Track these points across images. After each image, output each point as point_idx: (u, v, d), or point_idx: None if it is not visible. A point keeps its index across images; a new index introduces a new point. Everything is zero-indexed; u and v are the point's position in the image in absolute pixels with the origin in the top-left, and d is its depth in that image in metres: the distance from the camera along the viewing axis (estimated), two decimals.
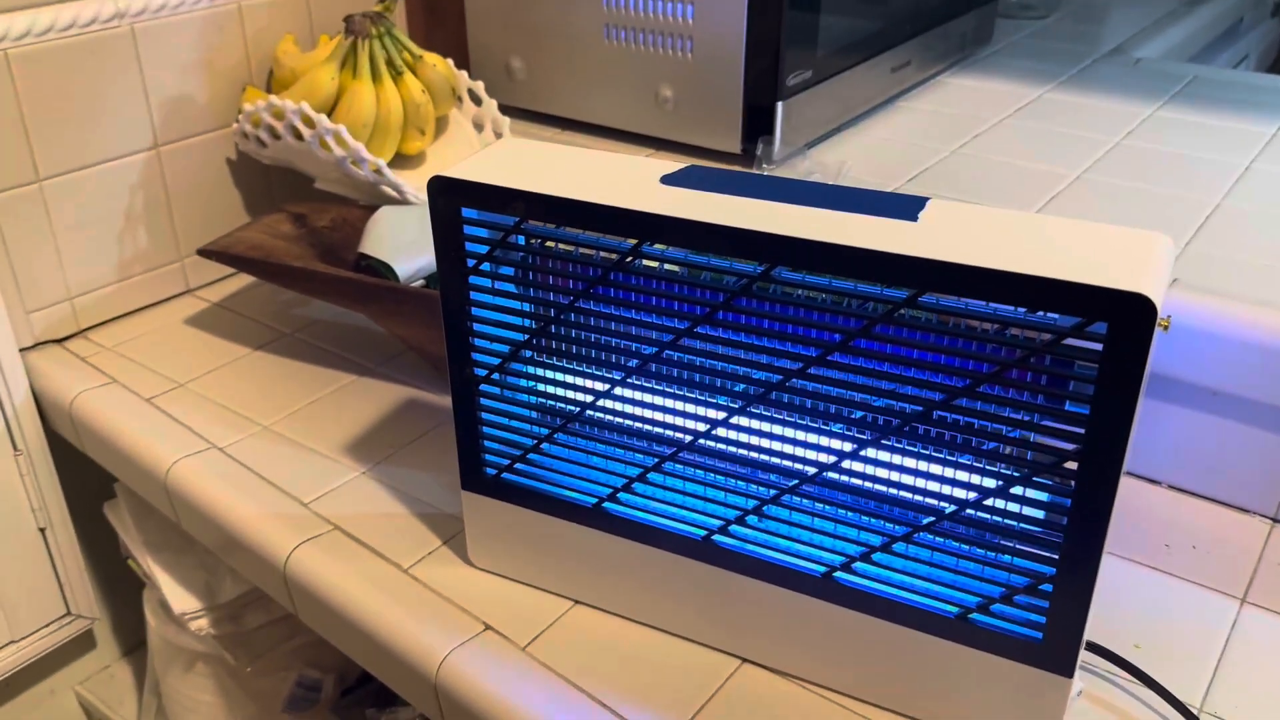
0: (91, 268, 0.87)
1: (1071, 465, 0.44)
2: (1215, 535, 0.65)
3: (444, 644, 0.57)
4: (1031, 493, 0.45)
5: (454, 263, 0.53)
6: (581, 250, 0.51)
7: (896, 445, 0.48)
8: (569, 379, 0.55)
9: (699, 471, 0.53)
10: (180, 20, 0.86)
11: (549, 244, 0.52)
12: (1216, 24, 1.52)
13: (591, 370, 0.54)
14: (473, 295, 0.54)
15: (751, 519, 0.52)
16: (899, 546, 0.49)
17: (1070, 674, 0.47)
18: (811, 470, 0.50)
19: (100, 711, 1.00)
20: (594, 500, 0.56)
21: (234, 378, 0.82)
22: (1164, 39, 1.33)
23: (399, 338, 0.81)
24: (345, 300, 0.77)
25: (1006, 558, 0.47)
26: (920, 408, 0.46)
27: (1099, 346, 0.41)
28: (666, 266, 0.49)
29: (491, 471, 0.59)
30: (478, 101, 0.96)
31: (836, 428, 0.49)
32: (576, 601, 0.60)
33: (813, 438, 0.49)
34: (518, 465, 0.58)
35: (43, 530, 0.88)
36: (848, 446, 0.49)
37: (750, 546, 0.53)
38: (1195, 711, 0.53)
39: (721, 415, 0.51)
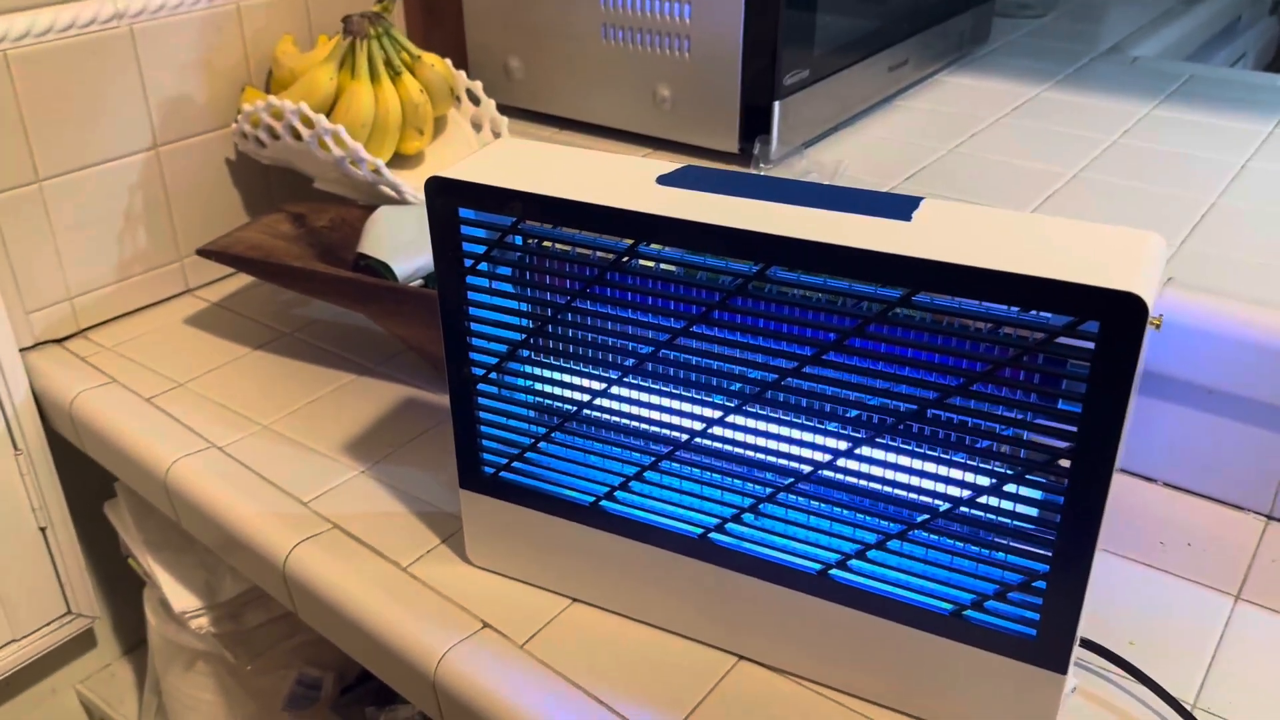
0: (91, 268, 0.87)
1: (1065, 463, 0.44)
2: (1210, 533, 0.66)
3: (442, 642, 0.57)
4: (1025, 490, 0.46)
5: (451, 262, 0.54)
6: (578, 250, 0.51)
7: (891, 444, 0.48)
8: (566, 378, 0.55)
9: (695, 470, 0.54)
10: (179, 21, 0.87)
11: (546, 244, 0.52)
12: (1214, 22, 1.52)
13: (588, 369, 0.55)
14: (470, 295, 0.54)
15: (748, 517, 0.53)
16: (894, 544, 0.49)
17: (1064, 670, 0.48)
18: (807, 468, 0.50)
19: (101, 710, 1.00)
20: (591, 499, 0.56)
21: (234, 377, 0.82)
22: (1161, 37, 1.33)
23: (398, 337, 0.81)
24: (344, 300, 0.78)
25: (1000, 555, 0.47)
26: (915, 406, 0.46)
27: (1091, 345, 0.41)
28: (663, 266, 0.50)
29: (489, 470, 0.59)
30: (476, 101, 0.96)
31: (832, 426, 0.49)
32: (574, 599, 0.60)
33: (808, 436, 0.50)
34: (515, 464, 0.58)
35: (43, 529, 0.88)
36: (843, 445, 0.49)
37: (746, 544, 0.53)
38: (1189, 708, 0.54)
39: (717, 414, 0.51)
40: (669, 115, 0.92)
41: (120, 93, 0.85)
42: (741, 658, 0.57)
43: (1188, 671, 0.56)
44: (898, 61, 1.02)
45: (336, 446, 0.74)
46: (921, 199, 0.47)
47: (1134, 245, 0.44)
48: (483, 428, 0.58)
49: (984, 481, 0.46)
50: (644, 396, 0.53)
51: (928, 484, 0.48)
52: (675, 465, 0.54)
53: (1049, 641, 0.47)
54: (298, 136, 0.84)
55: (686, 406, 0.53)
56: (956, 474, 0.47)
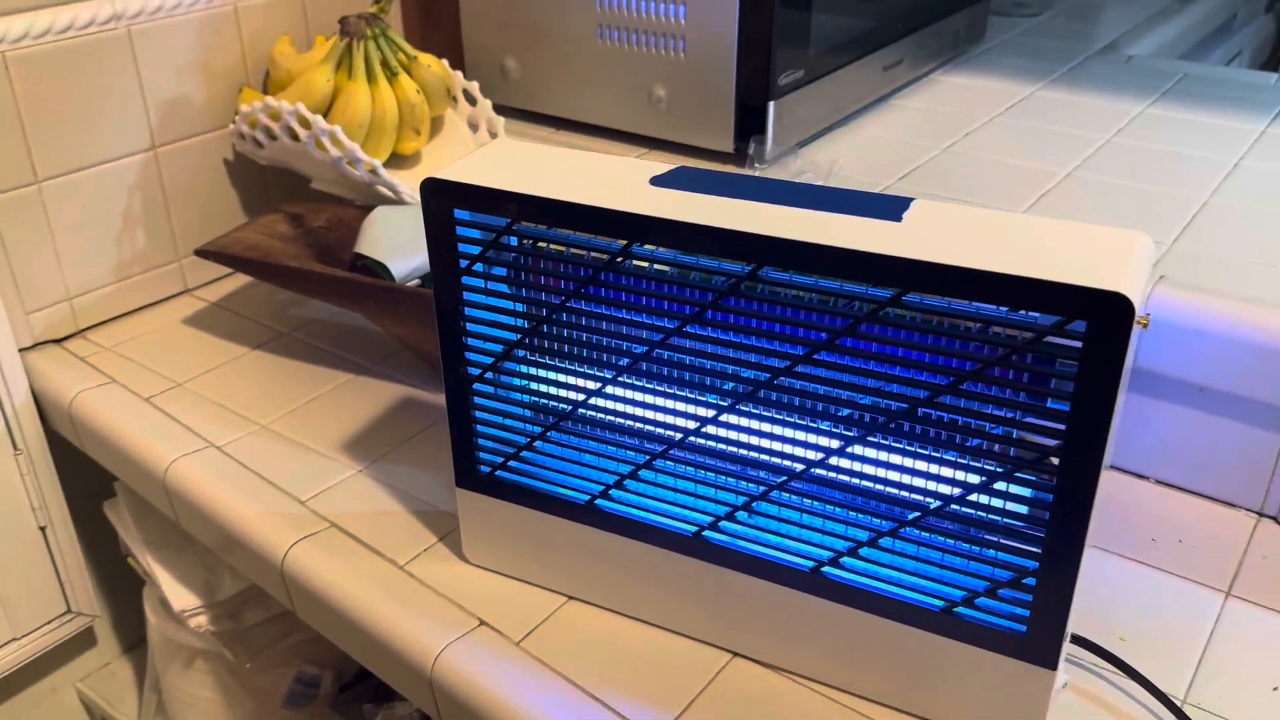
0: (90, 268, 0.88)
1: (1054, 461, 0.44)
2: (1202, 529, 0.66)
3: (439, 639, 0.58)
4: (1014, 488, 0.46)
5: (447, 263, 0.54)
6: (573, 251, 0.52)
7: (882, 442, 0.48)
8: (561, 378, 0.56)
9: (689, 468, 0.54)
10: (177, 22, 0.87)
11: (541, 244, 0.53)
12: (1210, 20, 1.52)
13: (583, 369, 0.55)
14: (466, 295, 0.55)
15: (741, 515, 0.53)
16: (885, 541, 0.50)
17: (1054, 666, 0.48)
18: (799, 467, 0.51)
19: (101, 708, 1.01)
20: (586, 497, 0.57)
21: (232, 377, 0.83)
22: (1157, 35, 1.33)
23: (395, 337, 0.81)
24: (342, 300, 0.78)
25: (990, 552, 0.48)
26: (905, 405, 0.47)
27: (1079, 344, 0.42)
28: (656, 266, 0.50)
29: (486, 469, 0.59)
30: (473, 101, 0.97)
31: (824, 425, 0.49)
32: (570, 597, 0.61)
33: (800, 435, 0.50)
34: (511, 463, 0.58)
35: (43, 529, 0.88)
36: (835, 443, 0.49)
37: (740, 542, 0.54)
38: (1179, 703, 0.54)
39: (711, 413, 0.52)
40: (665, 115, 0.92)
41: (118, 94, 0.85)
42: (735, 654, 0.57)
43: (1178, 667, 0.56)
44: (893, 61, 1.02)
45: (334, 446, 0.74)
46: (912, 200, 0.48)
47: (1122, 245, 0.44)
48: (479, 427, 0.58)
49: (974, 479, 0.47)
50: (638, 396, 0.54)
51: (919, 482, 0.48)
52: (669, 464, 0.54)
53: (1039, 637, 0.48)
54: (295, 137, 0.85)
55: (680, 405, 0.53)
56: (947, 472, 0.47)
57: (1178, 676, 0.56)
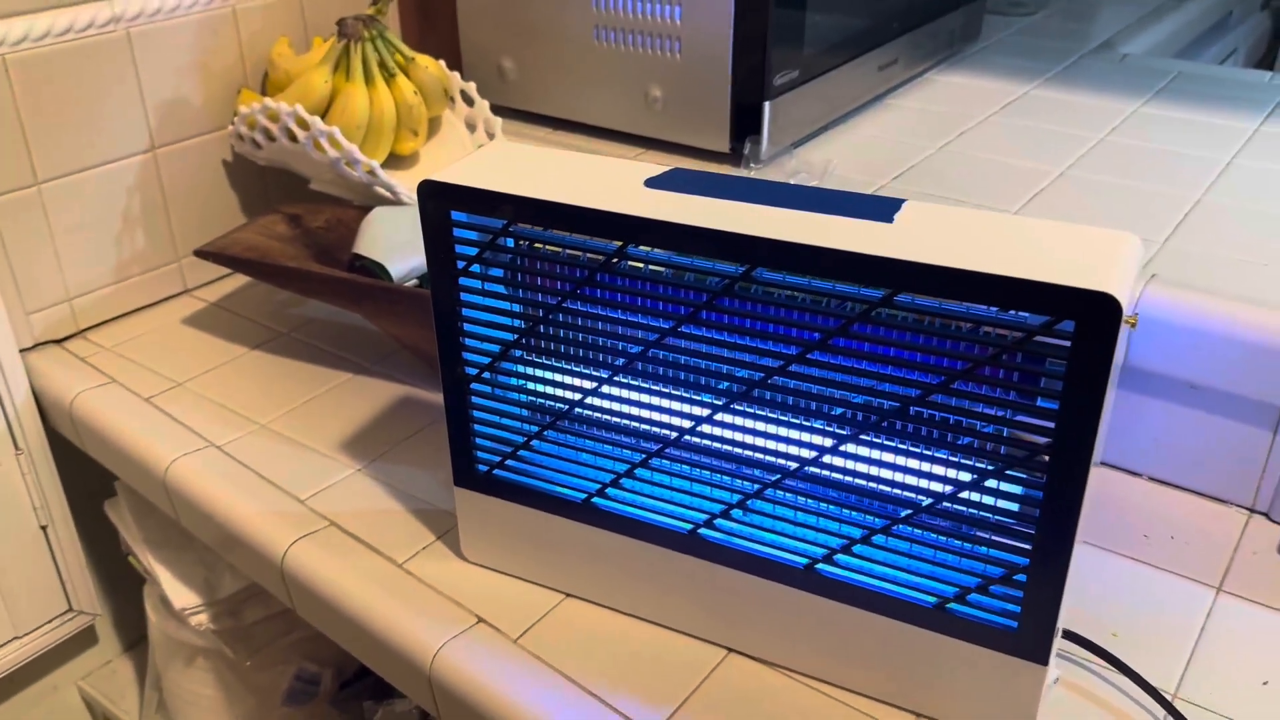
0: (90, 269, 0.88)
1: (1044, 458, 0.45)
2: (1193, 526, 0.67)
3: (438, 637, 0.58)
4: (1005, 485, 0.47)
5: (444, 264, 0.55)
6: (568, 252, 0.52)
7: (875, 440, 0.49)
8: (558, 377, 0.56)
9: (685, 467, 0.55)
10: (175, 24, 0.88)
11: (537, 246, 0.53)
12: (1205, 18, 1.53)
13: (580, 369, 0.56)
14: (463, 296, 0.55)
15: (736, 513, 0.54)
16: (878, 539, 0.50)
17: (1045, 661, 0.49)
18: (793, 465, 0.51)
19: (102, 706, 1.01)
20: (583, 495, 0.57)
21: (231, 377, 0.83)
22: (1152, 34, 1.34)
23: (393, 337, 0.82)
24: (340, 300, 0.79)
25: (982, 549, 0.48)
26: (898, 404, 0.47)
27: (1068, 344, 0.42)
28: (651, 267, 0.51)
29: (483, 468, 0.60)
30: (470, 102, 0.97)
31: (817, 424, 0.50)
32: (567, 594, 0.61)
33: (794, 433, 0.51)
34: (509, 462, 0.59)
35: (44, 528, 0.89)
36: (828, 442, 0.50)
37: (735, 539, 0.54)
38: (1170, 698, 0.55)
39: (706, 412, 0.52)
40: (661, 115, 0.93)
41: (118, 96, 0.86)
42: (731, 651, 0.58)
43: (1170, 662, 0.57)
44: (888, 60, 1.02)
45: (333, 445, 0.75)
46: (904, 201, 0.48)
47: (1110, 246, 0.45)
48: (476, 426, 0.59)
49: (965, 477, 0.47)
50: (634, 395, 0.54)
51: (911, 480, 0.49)
52: (665, 462, 0.55)
53: (1030, 633, 0.48)
54: (293, 138, 0.85)
55: (676, 405, 0.53)
56: (939, 470, 0.48)
57: (1169, 671, 0.56)
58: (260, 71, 0.95)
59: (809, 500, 0.52)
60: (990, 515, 0.47)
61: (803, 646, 0.55)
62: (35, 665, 0.96)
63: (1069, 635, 0.56)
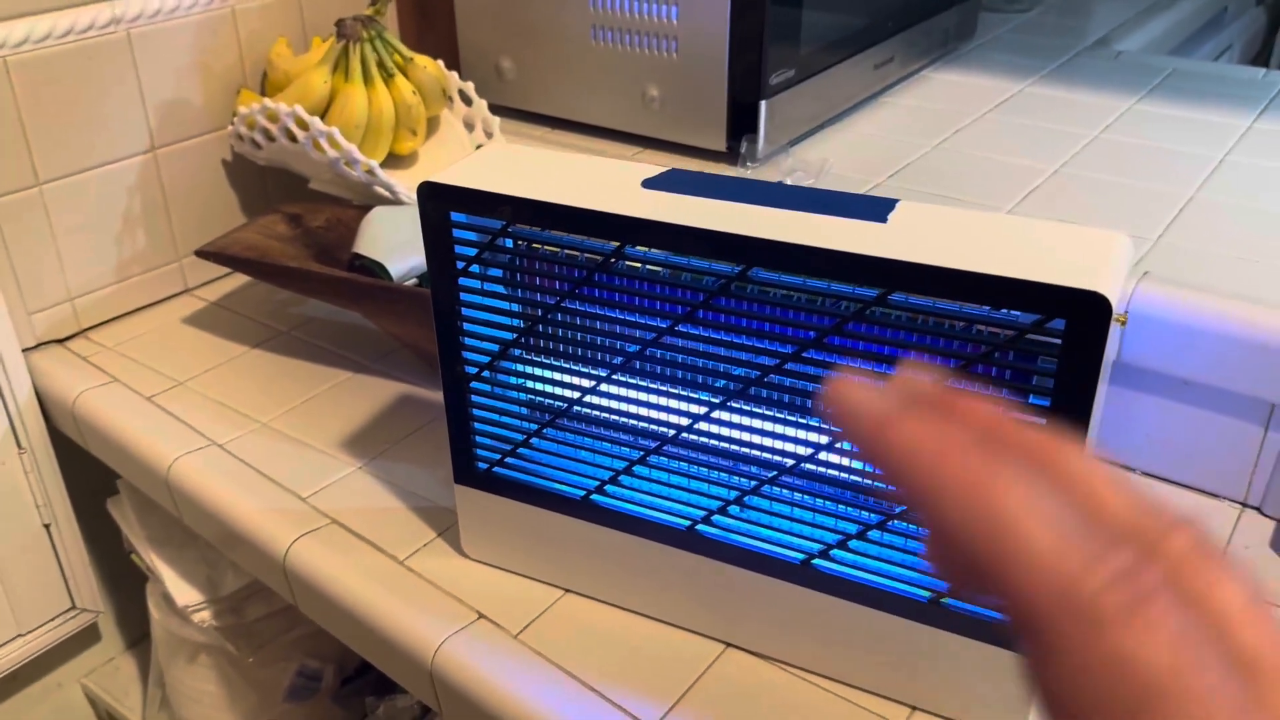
0: (91, 269, 0.89)
1: None
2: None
3: (439, 633, 0.59)
4: None
5: (444, 264, 0.55)
6: (567, 252, 0.53)
7: None
8: (557, 376, 0.57)
9: (682, 464, 0.55)
10: (175, 25, 0.88)
11: (536, 246, 0.54)
12: (1200, 14, 1.53)
13: (578, 367, 0.56)
14: (462, 296, 0.56)
15: (733, 509, 0.54)
16: (874, 534, 0.51)
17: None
18: (790, 462, 0.52)
19: (106, 703, 1.02)
20: (582, 493, 0.58)
21: (232, 375, 0.84)
22: (1148, 30, 1.34)
23: (393, 335, 0.83)
24: (340, 299, 0.79)
25: None
26: None
27: (1059, 342, 0.43)
28: (649, 267, 0.51)
29: (483, 466, 0.60)
30: (468, 102, 0.98)
31: (813, 421, 0.51)
32: (567, 590, 0.62)
33: (790, 431, 0.51)
34: (508, 460, 0.60)
35: (47, 526, 0.90)
36: (824, 439, 0.51)
37: (732, 535, 0.55)
38: None
39: (703, 410, 0.53)
40: (658, 115, 0.93)
41: (118, 97, 0.86)
42: (729, 645, 0.58)
43: None
44: (884, 59, 1.03)
45: (334, 443, 0.75)
46: (897, 201, 0.49)
47: (1101, 245, 0.45)
48: (476, 425, 0.59)
49: None
50: (632, 393, 0.55)
51: None
52: (663, 460, 0.56)
53: None
54: (293, 138, 0.86)
55: (673, 403, 0.54)
56: None
57: None
58: (259, 72, 0.95)
59: (805, 496, 0.52)
60: None
61: (800, 641, 0.56)
62: (38, 663, 0.96)
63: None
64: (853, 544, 0.52)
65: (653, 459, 0.56)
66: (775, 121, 0.90)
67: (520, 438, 0.59)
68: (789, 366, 0.49)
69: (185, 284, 0.96)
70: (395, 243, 0.80)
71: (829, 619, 0.54)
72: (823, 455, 0.51)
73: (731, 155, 0.91)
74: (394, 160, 0.95)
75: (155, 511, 0.90)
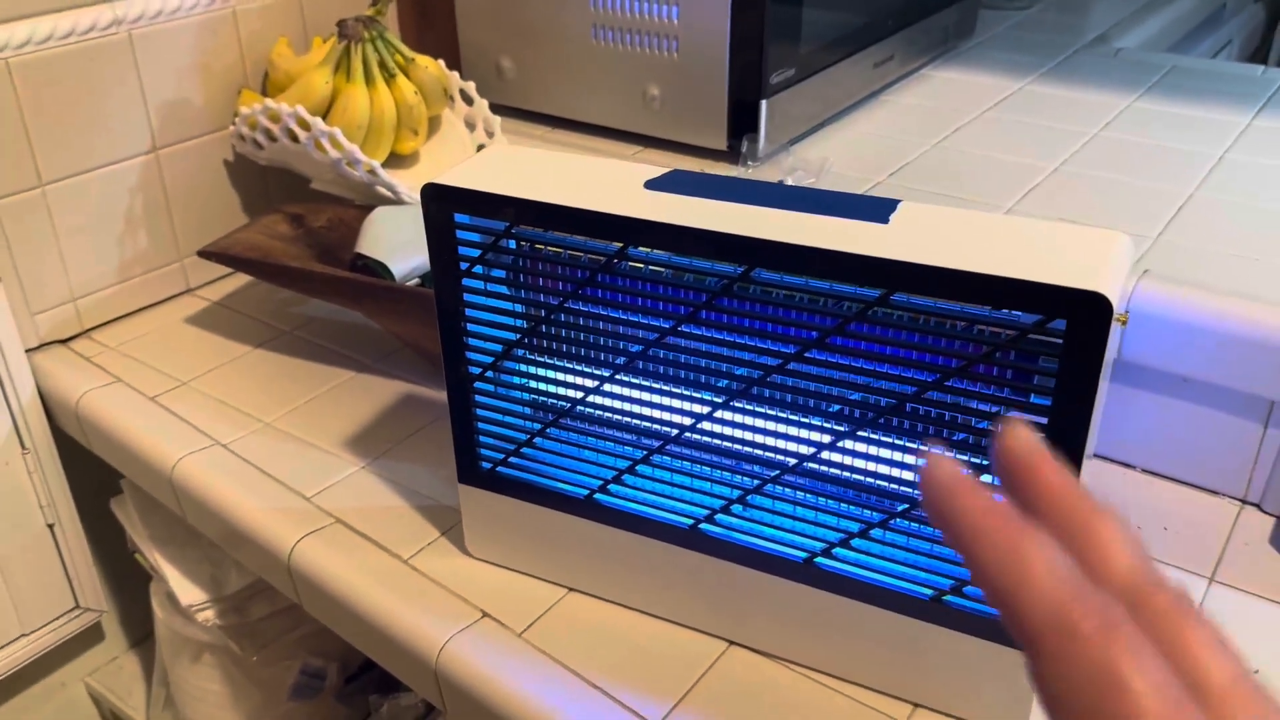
0: (94, 269, 0.89)
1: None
2: (1186, 517, 0.68)
3: (443, 631, 0.59)
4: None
5: (447, 265, 0.56)
6: (570, 253, 0.53)
7: (872, 436, 0.50)
8: (560, 376, 0.57)
9: (685, 463, 0.55)
10: (176, 25, 0.88)
11: (539, 247, 0.54)
12: (1199, 11, 1.53)
13: (581, 367, 0.56)
14: (466, 297, 0.56)
15: (736, 508, 0.55)
16: (876, 532, 0.51)
17: None
18: (792, 461, 0.52)
19: (110, 702, 1.02)
20: (586, 492, 0.58)
21: (235, 375, 0.84)
22: (1147, 27, 1.35)
23: (395, 335, 0.83)
24: (342, 299, 0.79)
25: None
26: (894, 400, 0.48)
27: (1060, 342, 0.43)
28: (651, 268, 0.51)
29: (487, 465, 0.61)
30: (469, 101, 0.98)
31: (815, 420, 0.51)
32: (570, 589, 0.62)
33: (793, 430, 0.52)
34: (512, 459, 0.60)
35: (51, 526, 0.90)
36: (826, 438, 0.51)
37: (735, 534, 0.55)
38: None
39: (706, 409, 0.53)
40: (658, 114, 0.93)
41: (120, 97, 0.86)
42: (732, 643, 0.59)
43: None
44: (883, 57, 1.03)
45: (337, 442, 0.76)
46: (899, 201, 0.49)
47: (1101, 245, 0.46)
48: (480, 424, 0.60)
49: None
50: (635, 393, 0.55)
51: (908, 475, 0.50)
52: (666, 459, 0.56)
53: None
54: (295, 139, 0.86)
55: (676, 402, 0.54)
56: None
57: None
58: (260, 71, 0.95)
59: (808, 495, 0.53)
60: None
61: (802, 639, 0.56)
62: (43, 662, 0.97)
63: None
64: (855, 542, 0.52)
65: (656, 458, 0.56)
66: (776, 120, 0.90)
67: (524, 437, 0.59)
68: (791, 366, 0.50)
69: (187, 284, 0.96)
70: (397, 242, 0.80)
71: (832, 617, 0.54)
72: (825, 454, 0.51)
73: (732, 154, 0.91)
74: (396, 160, 0.96)
75: (158, 511, 0.90)
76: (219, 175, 0.96)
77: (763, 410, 0.52)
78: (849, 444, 0.51)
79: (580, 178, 0.54)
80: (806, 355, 0.49)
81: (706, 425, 0.54)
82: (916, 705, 0.55)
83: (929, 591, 0.51)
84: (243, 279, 0.98)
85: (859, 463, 0.51)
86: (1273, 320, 0.63)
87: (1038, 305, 0.43)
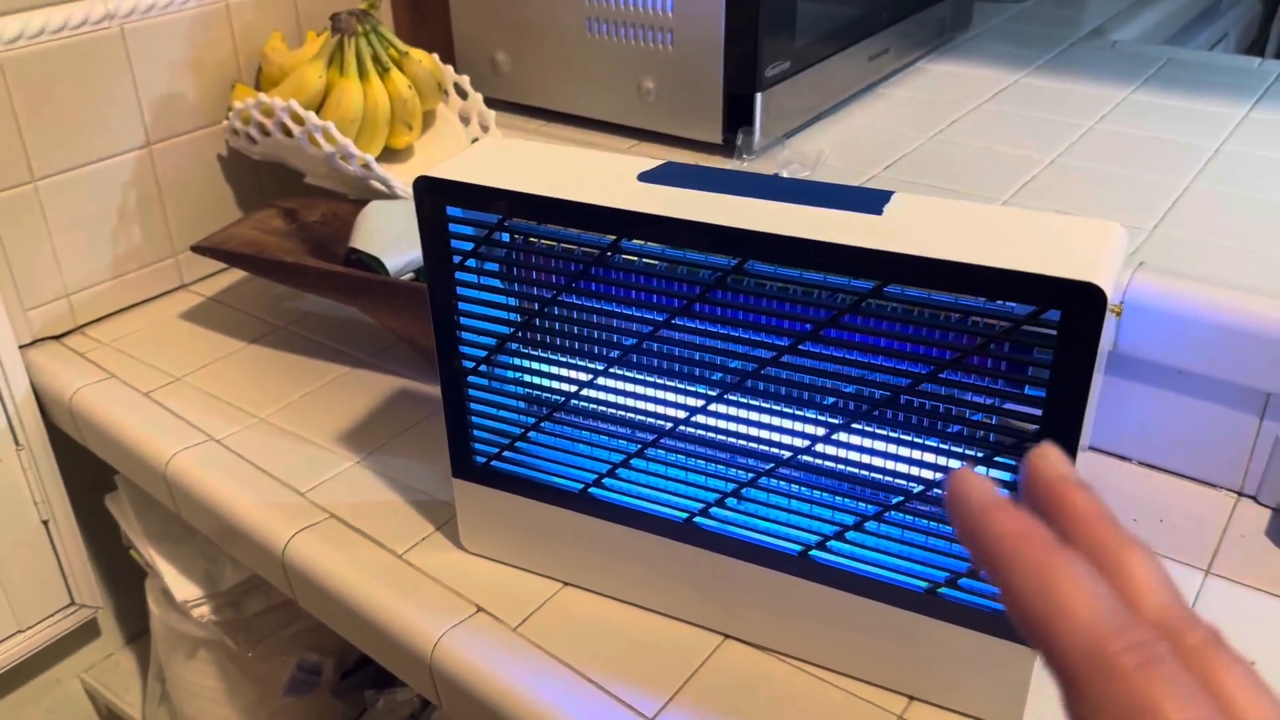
0: (87, 265, 0.89)
1: (1032, 444, 0.46)
2: (1182, 509, 0.68)
3: (438, 626, 0.59)
4: (995, 472, 0.48)
5: (440, 259, 0.55)
6: (563, 246, 0.53)
7: (866, 429, 0.50)
8: (554, 370, 0.57)
9: (680, 457, 0.55)
10: (169, 20, 0.88)
11: (532, 240, 0.54)
12: (1195, 3, 1.53)
13: (575, 361, 0.56)
14: (459, 290, 0.56)
15: (730, 501, 0.55)
16: (870, 525, 0.51)
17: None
18: (787, 454, 0.52)
19: (105, 698, 1.02)
20: (580, 486, 0.58)
21: (229, 371, 0.84)
22: (1143, 19, 1.34)
23: (389, 330, 0.83)
24: (336, 294, 0.79)
25: None
26: (888, 393, 0.48)
27: (1054, 333, 0.43)
28: (645, 261, 0.51)
29: (481, 460, 0.61)
30: (464, 95, 0.97)
31: (809, 413, 0.51)
32: (565, 583, 0.62)
33: (787, 423, 0.52)
34: (506, 453, 0.60)
35: (45, 522, 0.90)
36: (820, 430, 0.51)
37: (730, 528, 0.55)
38: None
39: (700, 402, 0.53)
40: (653, 107, 0.93)
41: (112, 92, 0.86)
42: (727, 637, 0.59)
43: None
44: (879, 50, 1.03)
45: (331, 438, 0.75)
46: (892, 193, 0.49)
47: (1096, 236, 0.45)
48: (474, 419, 0.59)
49: (955, 464, 0.48)
50: (629, 386, 0.55)
51: (902, 467, 0.50)
52: (660, 452, 0.56)
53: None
54: (288, 133, 0.86)
55: (670, 395, 0.54)
56: (929, 457, 0.49)
57: None
58: (254, 66, 0.95)
59: (802, 488, 0.53)
60: None
61: (797, 631, 0.56)
62: (38, 659, 0.96)
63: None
64: (850, 535, 0.52)
65: (650, 452, 0.56)
66: (771, 113, 0.90)
67: (518, 431, 0.59)
68: (785, 359, 0.49)
69: (181, 279, 0.96)
70: (391, 237, 0.80)
71: (827, 610, 0.54)
72: (819, 447, 0.51)
73: (727, 147, 0.91)
74: (390, 154, 0.95)
75: (153, 507, 0.90)
76: (213, 170, 0.95)
77: (757, 403, 0.52)
78: (843, 437, 0.50)
79: (573, 170, 0.54)
80: (800, 347, 0.49)
81: (701, 418, 0.54)
82: (912, 698, 0.55)
83: (924, 584, 0.51)
84: (237, 274, 0.98)
85: (853, 455, 0.51)
86: (1269, 312, 0.63)
87: (1032, 296, 0.43)
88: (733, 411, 0.53)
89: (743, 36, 0.86)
